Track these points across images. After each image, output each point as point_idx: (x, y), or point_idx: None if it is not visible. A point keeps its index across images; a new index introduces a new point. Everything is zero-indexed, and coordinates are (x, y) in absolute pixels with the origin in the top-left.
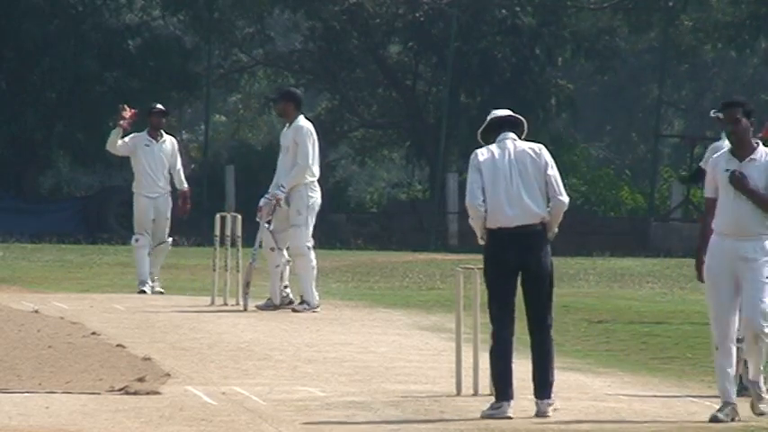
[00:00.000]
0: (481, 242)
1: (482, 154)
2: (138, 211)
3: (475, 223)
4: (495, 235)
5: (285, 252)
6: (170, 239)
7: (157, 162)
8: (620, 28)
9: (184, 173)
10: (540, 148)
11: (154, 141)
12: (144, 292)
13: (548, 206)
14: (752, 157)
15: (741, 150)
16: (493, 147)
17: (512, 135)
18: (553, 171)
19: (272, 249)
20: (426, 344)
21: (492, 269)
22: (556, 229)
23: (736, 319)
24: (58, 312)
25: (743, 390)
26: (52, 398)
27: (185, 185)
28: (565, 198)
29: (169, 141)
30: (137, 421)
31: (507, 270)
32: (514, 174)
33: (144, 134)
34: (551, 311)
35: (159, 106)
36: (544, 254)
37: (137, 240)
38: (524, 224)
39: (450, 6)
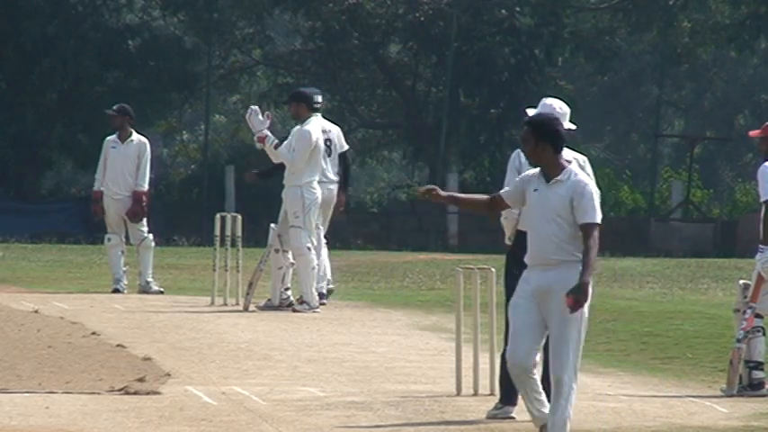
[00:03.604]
0: (508, 242)
1: (524, 154)
2: (107, 214)
3: (507, 223)
4: (525, 237)
5: (290, 255)
6: (150, 235)
7: (120, 164)
8: (619, 28)
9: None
10: (584, 160)
11: (119, 143)
12: (118, 290)
13: None
14: (558, 178)
15: (546, 171)
16: None
17: None
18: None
19: (277, 251)
20: (426, 344)
21: (518, 270)
22: None
23: (533, 351)
24: (58, 312)
25: (743, 389)
26: (52, 398)
27: (142, 187)
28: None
29: (136, 143)
30: (137, 421)
31: None
32: None
33: (113, 137)
34: None
35: (113, 108)
36: None
37: (109, 240)
38: None
39: (451, 6)
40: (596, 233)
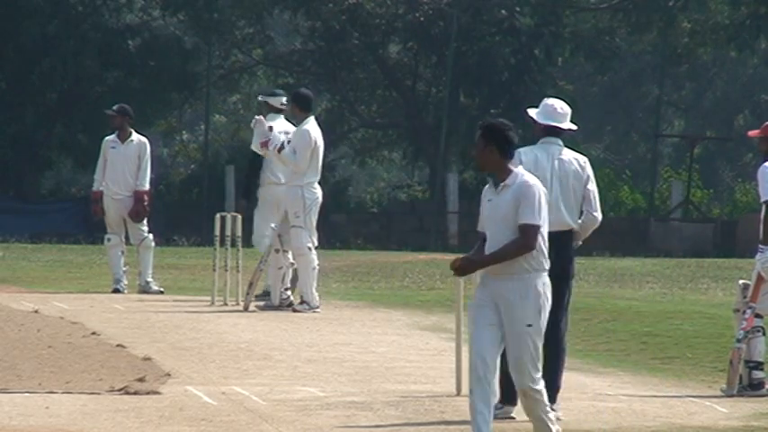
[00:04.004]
0: None
1: (525, 154)
2: (107, 214)
3: None
4: None
5: (290, 255)
6: (150, 235)
7: (121, 164)
8: (619, 28)
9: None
10: (584, 161)
11: (119, 143)
12: (118, 290)
13: (579, 218)
14: (506, 183)
15: (495, 177)
16: (537, 149)
17: (559, 141)
18: (593, 186)
19: (277, 251)
20: (426, 344)
21: None
22: (580, 242)
23: (496, 360)
24: (58, 312)
25: (743, 389)
26: (52, 398)
27: (143, 187)
28: (599, 215)
29: (136, 143)
30: (137, 421)
31: None
32: (555, 181)
33: (113, 137)
34: (566, 318)
35: (113, 109)
36: (569, 260)
37: (108, 240)
38: (555, 230)
39: (451, 6)
40: (530, 236)
